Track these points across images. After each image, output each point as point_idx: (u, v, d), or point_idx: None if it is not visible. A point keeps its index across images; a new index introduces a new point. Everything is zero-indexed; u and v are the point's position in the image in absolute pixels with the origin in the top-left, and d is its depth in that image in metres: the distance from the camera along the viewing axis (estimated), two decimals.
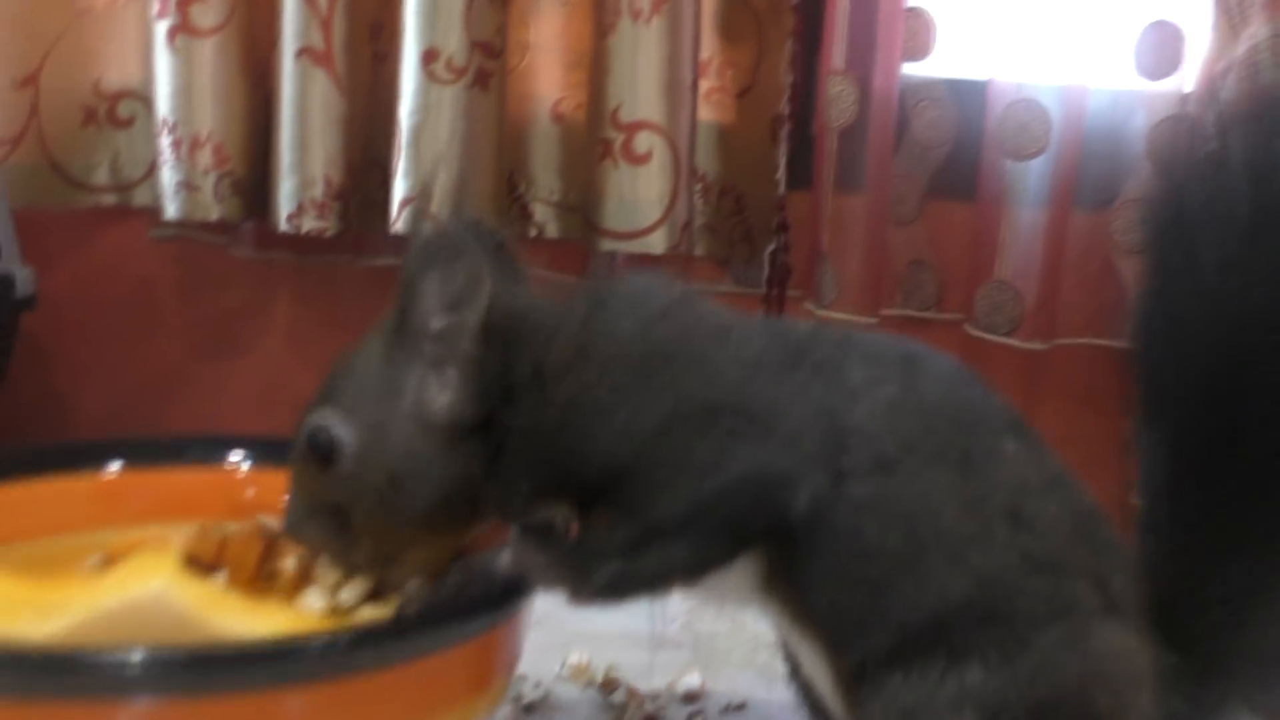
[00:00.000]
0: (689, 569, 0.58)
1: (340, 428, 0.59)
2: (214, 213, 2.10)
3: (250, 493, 0.67)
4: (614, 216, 2.02)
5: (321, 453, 0.59)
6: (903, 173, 2.03)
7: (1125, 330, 0.65)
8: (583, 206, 2.08)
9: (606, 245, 2.03)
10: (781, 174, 2.07)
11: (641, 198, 2.01)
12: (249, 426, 2.29)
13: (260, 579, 0.59)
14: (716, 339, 0.58)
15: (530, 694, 0.75)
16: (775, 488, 0.56)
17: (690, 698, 0.76)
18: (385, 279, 2.24)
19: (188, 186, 2.09)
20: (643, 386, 0.57)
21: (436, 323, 0.58)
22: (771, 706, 0.75)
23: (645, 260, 2.08)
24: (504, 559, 0.56)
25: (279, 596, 0.58)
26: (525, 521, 0.61)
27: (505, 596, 0.54)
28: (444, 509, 0.60)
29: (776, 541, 0.57)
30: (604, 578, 0.56)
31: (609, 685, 0.77)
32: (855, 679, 0.58)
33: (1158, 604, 0.60)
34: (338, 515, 0.60)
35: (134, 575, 0.50)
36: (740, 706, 0.75)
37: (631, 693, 0.75)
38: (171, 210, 2.10)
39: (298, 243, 2.16)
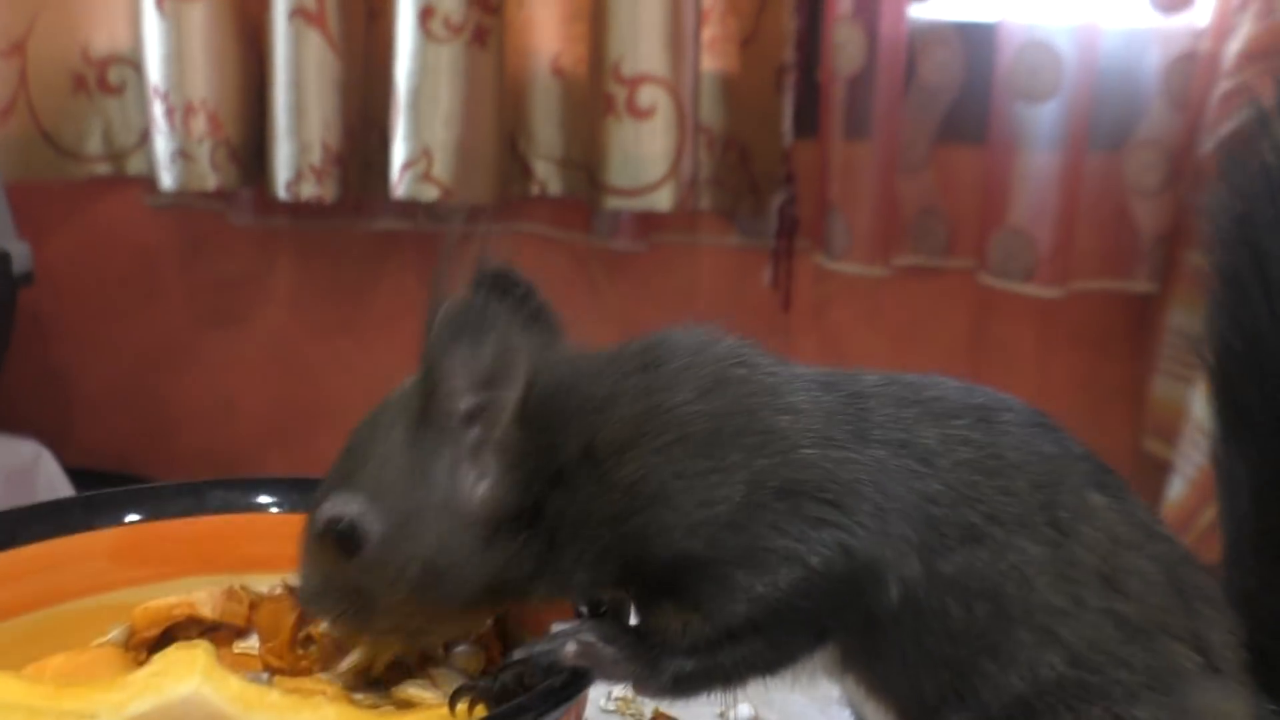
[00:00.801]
0: (766, 667, 0.54)
1: (365, 516, 0.53)
2: (210, 181, 2.06)
3: (283, 544, 0.64)
4: (618, 173, 1.98)
5: (343, 542, 0.54)
6: (911, 119, 1.99)
7: (1201, 347, 0.62)
8: (586, 163, 2.04)
9: (611, 203, 1.99)
10: (787, 124, 2.03)
11: (646, 153, 1.97)
12: (253, 394, 2.29)
13: (296, 647, 0.57)
14: (782, 408, 0.54)
15: None
16: (864, 579, 0.52)
17: None
18: (387, 243, 2.22)
19: (183, 155, 2.05)
20: (711, 469, 0.51)
21: (466, 403, 0.53)
22: None
23: (651, 218, 2.05)
24: (569, 650, 0.52)
25: (316, 665, 0.56)
26: (580, 605, 0.58)
27: (569, 688, 0.51)
28: (486, 597, 0.55)
29: (856, 627, 0.54)
30: (674, 675, 0.52)
31: (660, 719, 0.75)
32: None
33: (1251, 645, 0.57)
34: (355, 594, 0.55)
35: (164, 674, 0.47)
36: None
37: None
38: (167, 180, 2.06)
39: (297, 208, 2.13)
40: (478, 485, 0.53)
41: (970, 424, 0.55)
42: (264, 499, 0.66)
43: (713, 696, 0.55)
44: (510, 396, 0.52)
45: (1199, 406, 1.80)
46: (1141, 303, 1.99)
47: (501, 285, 0.55)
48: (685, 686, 0.53)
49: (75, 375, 2.36)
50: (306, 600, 0.56)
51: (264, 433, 2.34)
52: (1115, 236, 1.97)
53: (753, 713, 0.75)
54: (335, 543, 0.54)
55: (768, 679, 0.55)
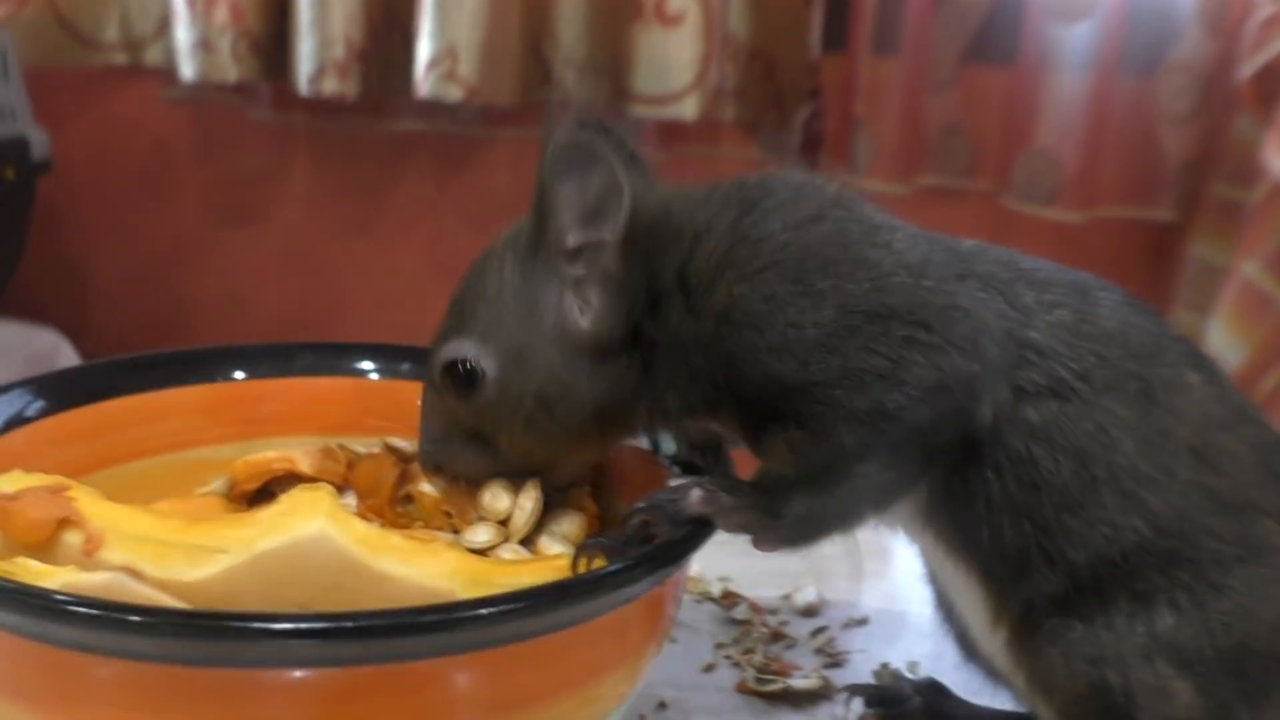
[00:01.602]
0: (880, 495, 0.55)
1: (479, 356, 0.55)
2: (231, 73, 2.04)
3: (375, 406, 0.64)
4: (645, 80, 1.96)
5: (461, 384, 0.55)
6: (941, 36, 1.97)
7: None
8: (611, 70, 2.02)
9: (636, 111, 1.98)
10: (815, 36, 2.00)
11: (674, 61, 1.95)
12: (268, 293, 2.29)
13: (396, 504, 0.58)
14: (878, 243, 0.55)
15: None
16: (959, 394, 0.52)
17: (809, 611, 0.75)
18: (406, 145, 2.20)
19: (204, 46, 2.02)
20: (800, 294, 0.52)
21: (574, 238, 0.54)
22: (891, 620, 0.74)
23: (673, 128, 2.03)
24: (694, 497, 0.53)
25: (421, 524, 0.57)
26: (686, 436, 0.60)
27: (694, 539, 0.51)
28: (595, 425, 0.56)
29: (946, 465, 0.55)
30: (794, 515, 0.53)
31: (729, 600, 0.76)
32: (1023, 622, 0.55)
33: None
34: (479, 438, 0.57)
35: (291, 513, 0.48)
36: (863, 621, 0.75)
37: (755, 608, 0.74)
38: (187, 71, 2.03)
39: (316, 106, 2.10)
40: (583, 316, 0.55)
41: (1067, 294, 0.55)
42: (355, 364, 0.66)
43: (826, 542, 0.56)
44: (614, 230, 0.53)
45: (1216, 337, 1.81)
46: (1163, 231, 1.99)
47: (602, 128, 0.55)
48: (804, 530, 0.54)
49: (92, 267, 2.35)
50: (430, 455, 0.57)
51: (278, 331, 2.33)
52: (1141, 163, 1.96)
53: (817, 595, 0.76)
54: (454, 386, 0.56)
55: (883, 511, 0.56)
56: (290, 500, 0.48)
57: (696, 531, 0.51)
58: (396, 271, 2.27)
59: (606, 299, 0.55)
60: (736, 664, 0.69)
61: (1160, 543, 0.53)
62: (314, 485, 0.49)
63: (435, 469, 0.58)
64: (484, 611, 0.41)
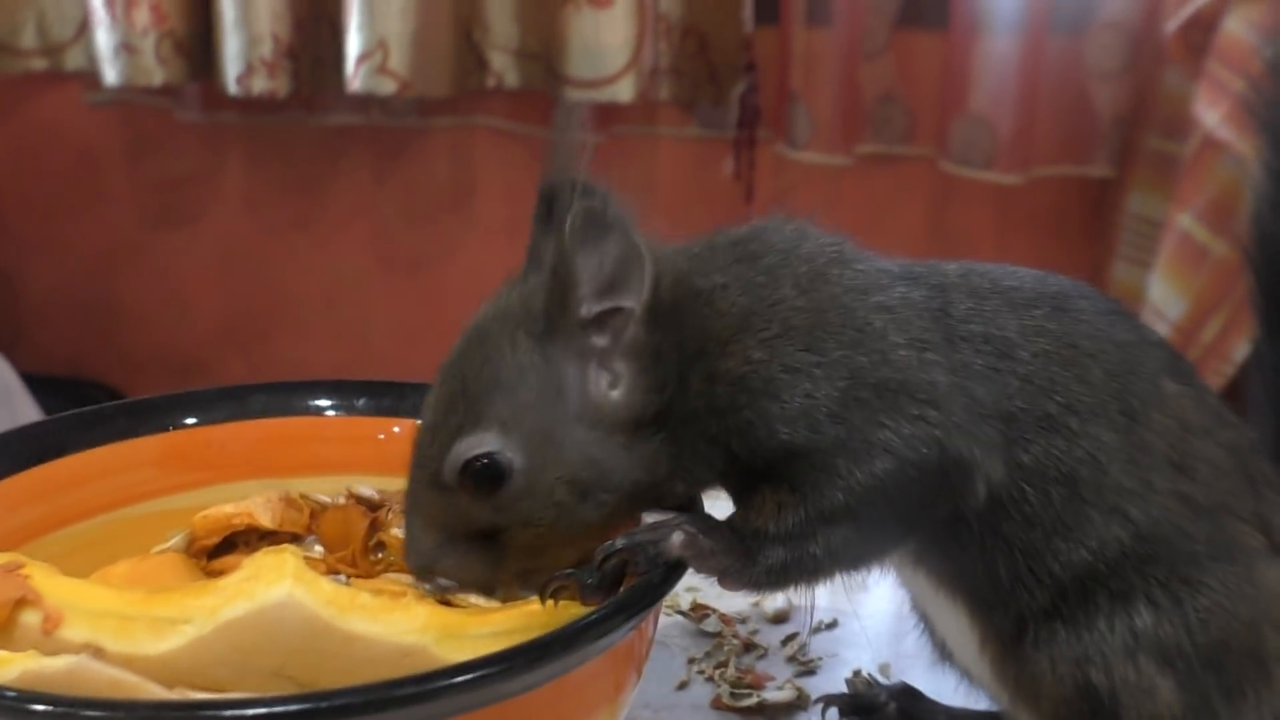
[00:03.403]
0: (855, 557, 0.55)
1: (504, 449, 0.52)
2: (157, 77, 2.00)
3: (334, 446, 0.63)
4: (578, 64, 1.95)
5: (484, 481, 0.52)
6: (872, 4, 1.97)
7: (1243, 237, 0.63)
8: (544, 54, 2.00)
9: (572, 95, 1.96)
10: (748, 10, 2.00)
11: (606, 43, 1.94)
12: (207, 296, 2.25)
13: (369, 554, 0.57)
14: (876, 307, 0.54)
15: None
16: (953, 475, 0.53)
17: (779, 618, 0.76)
18: (341, 138, 2.17)
19: (126, 48, 1.98)
20: (815, 364, 0.52)
21: (595, 308, 0.52)
22: (862, 622, 0.74)
23: (610, 109, 2.02)
24: (674, 542, 0.50)
25: (392, 575, 0.56)
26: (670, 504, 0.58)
27: (669, 581, 0.51)
28: (627, 505, 0.54)
29: (941, 523, 0.56)
30: (768, 565, 0.52)
31: (698, 612, 0.75)
32: (1012, 637, 0.56)
33: None
34: (485, 537, 0.54)
35: (256, 579, 0.46)
36: (832, 624, 0.75)
37: (724, 619, 0.74)
38: (111, 76, 1.99)
39: (247, 104, 2.07)
40: (612, 390, 0.53)
41: (1047, 313, 0.56)
42: (309, 402, 0.65)
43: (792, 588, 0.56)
44: (639, 297, 0.52)
45: (1157, 291, 1.83)
46: (1100, 187, 2.01)
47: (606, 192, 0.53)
48: (776, 578, 0.54)
49: (21, 279, 2.30)
50: (424, 562, 0.54)
51: (220, 334, 2.30)
52: (1074, 121, 1.97)
53: (786, 600, 0.76)
54: (475, 484, 0.52)
55: (852, 572, 0.56)
56: (254, 565, 0.47)
57: (673, 572, 0.50)
58: (338, 267, 2.25)
59: (638, 369, 0.53)
60: (710, 679, 0.69)
61: (1138, 547, 0.54)
62: (278, 547, 0.48)
63: (430, 576, 0.54)
64: (459, 679, 0.41)
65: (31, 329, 2.30)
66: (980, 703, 0.65)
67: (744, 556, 0.52)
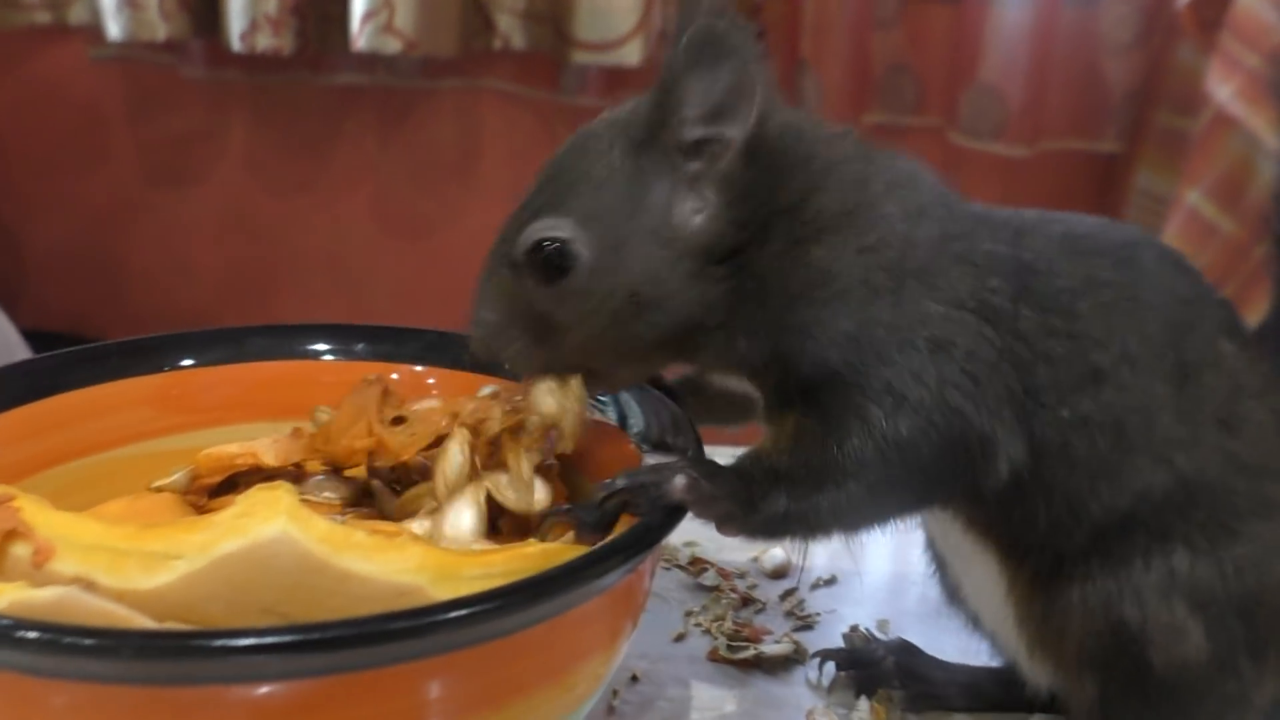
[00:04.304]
0: (859, 518, 0.54)
1: (577, 240, 0.52)
2: (160, 31, 1.99)
3: (335, 391, 0.62)
4: (586, 27, 1.93)
5: (550, 266, 0.52)
6: None
7: (1264, 208, 0.62)
8: (552, 16, 1.98)
9: (579, 57, 1.95)
10: None
11: (614, 5, 1.92)
12: (210, 255, 2.24)
13: (384, 424, 0.55)
14: (963, 256, 0.53)
15: None
16: (974, 450, 0.52)
17: (778, 573, 0.75)
18: (346, 98, 2.16)
19: (130, 3, 1.96)
20: (891, 290, 0.52)
21: (695, 131, 0.51)
22: (861, 578, 0.74)
23: (618, 73, 2.00)
24: (676, 485, 0.50)
25: (409, 450, 0.55)
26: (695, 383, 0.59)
27: (668, 524, 0.50)
28: (672, 339, 0.53)
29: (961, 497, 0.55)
30: (769, 514, 0.51)
31: (697, 566, 0.75)
32: (1044, 575, 0.55)
33: None
34: (543, 328, 0.54)
35: (249, 515, 0.46)
36: (831, 580, 0.75)
37: (723, 573, 0.73)
38: (114, 30, 1.98)
39: (252, 62, 2.05)
40: (695, 216, 0.53)
41: (1113, 264, 0.56)
42: (308, 345, 0.64)
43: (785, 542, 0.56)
44: (741, 129, 0.51)
45: None
46: (1108, 163, 2.00)
47: (737, 24, 0.51)
48: (772, 528, 0.53)
49: (23, 235, 2.29)
50: (486, 333, 0.54)
51: (222, 293, 2.29)
52: (1085, 95, 1.96)
53: (785, 556, 0.75)
54: (540, 267, 0.53)
55: (852, 533, 0.55)
56: (248, 501, 0.46)
57: (672, 516, 0.50)
58: (341, 227, 2.24)
59: (725, 200, 0.52)
60: (707, 631, 0.68)
61: (1180, 493, 0.53)
62: (273, 484, 0.47)
63: (486, 353, 0.55)
64: (454, 615, 0.40)
65: (34, 285, 2.29)
66: (979, 658, 0.65)
67: (745, 503, 0.52)
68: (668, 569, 0.75)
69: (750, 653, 0.66)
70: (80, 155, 2.24)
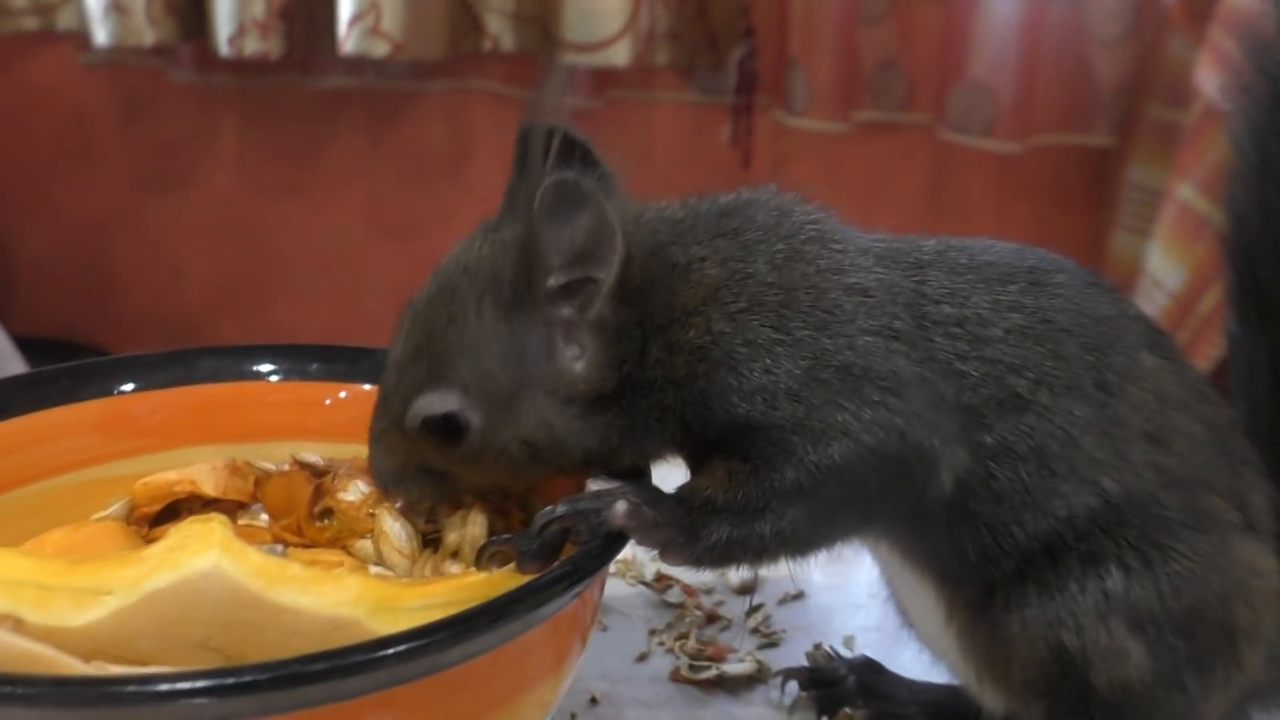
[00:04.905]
0: (804, 541, 0.53)
1: (466, 408, 0.52)
2: (148, 36, 1.98)
3: (280, 412, 0.61)
4: (574, 27, 1.92)
5: (444, 435, 0.53)
6: None
7: (1221, 222, 0.61)
8: (540, 17, 1.97)
9: (567, 58, 1.94)
10: None
11: (602, 6, 1.92)
12: (201, 260, 2.24)
13: (313, 520, 0.56)
14: (849, 288, 0.53)
15: None
16: (914, 465, 0.52)
17: (745, 589, 0.74)
18: (335, 101, 2.15)
19: (116, 8, 1.96)
20: (778, 341, 0.51)
21: (563, 279, 0.51)
22: (828, 593, 0.73)
23: (606, 74, 1.99)
24: (617, 512, 0.49)
25: (335, 545, 0.55)
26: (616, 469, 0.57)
27: (609, 551, 0.48)
28: (580, 465, 0.54)
29: (901, 514, 0.54)
30: (712, 542, 0.51)
31: (662, 582, 0.74)
32: (980, 605, 0.55)
33: None
34: (441, 474, 0.55)
35: (181, 549, 0.44)
36: (798, 596, 0.74)
37: (688, 590, 0.73)
38: (101, 36, 1.97)
39: (241, 66, 2.05)
40: (575, 363, 0.53)
41: (1023, 289, 0.55)
42: (257, 367, 0.63)
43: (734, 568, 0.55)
44: (608, 272, 0.51)
45: (1156, 261, 1.81)
46: (1099, 157, 1.99)
47: (566, 149, 0.53)
48: (719, 555, 0.52)
49: (14, 242, 2.29)
50: (385, 483, 0.55)
51: (214, 298, 2.29)
52: (1075, 90, 1.95)
53: (753, 573, 0.75)
54: (433, 438, 0.53)
55: (799, 557, 0.55)
56: (180, 534, 0.45)
57: (613, 543, 0.49)
58: (332, 231, 2.23)
59: (602, 343, 0.53)
60: (670, 651, 0.68)
61: (1109, 513, 0.53)
62: (206, 515, 0.47)
63: (386, 494, 0.56)
64: (382, 654, 0.39)
65: (24, 292, 2.29)
66: (942, 675, 0.64)
67: (688, 531, 0.51)
68: (633, 585, 0.74)
69: (712, 673, 0.65)
70: (70, 161, 2.23)
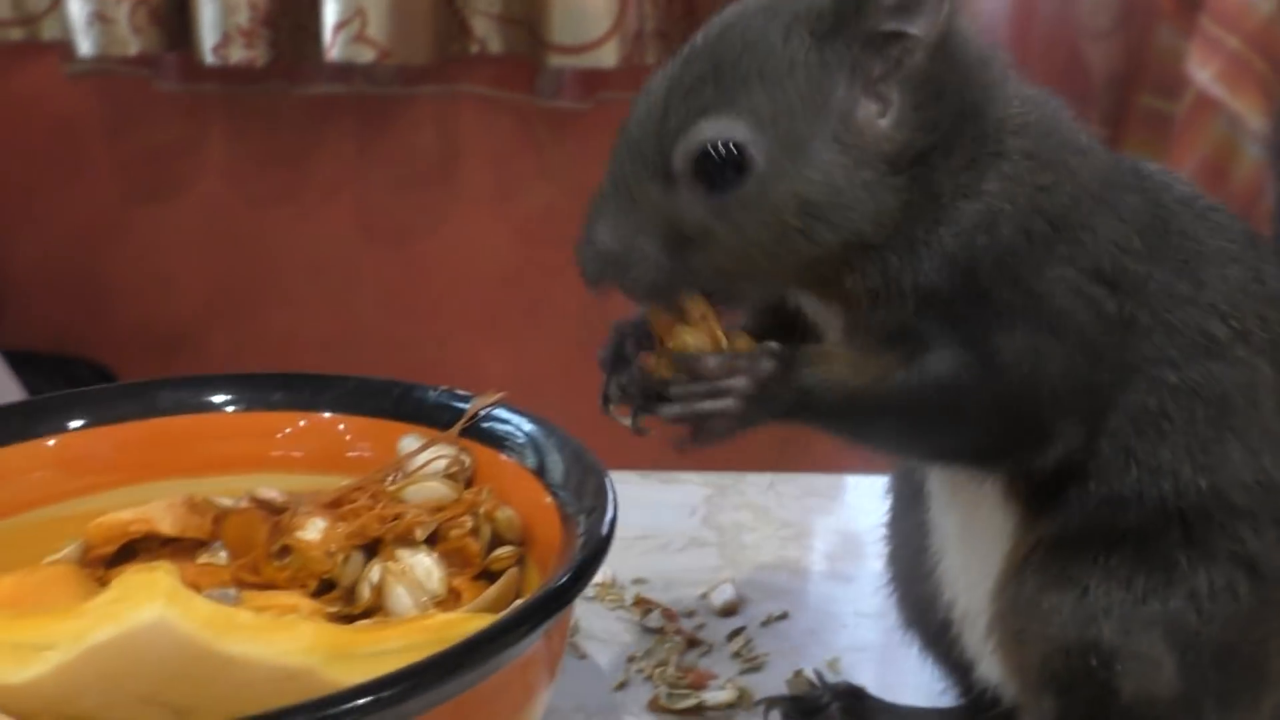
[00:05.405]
0: (888, 438, 0.52)
1: (754, 144, 0.46)
2: (132, 46, 1.96)
3: (238, 443, 0.60)
4: (560, 29, 1.91)
5: (720, 173, 0.47)
6: None
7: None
8: (527, 20, 1.95)
9: (554, 61, 1.92)
10: None
11: (589, 7, 1.90)
12: (192, 269, 2.23)
13: (272, 559, 0.54)
14: (1111, 210, 0.50)
15: None
16: (1030, 424, 0.50)
17: (728, 611, 0.72)
18: (324, 108, 2.14)
19: (100, 18, 1.94)
20: (1036, 246, 0.48)
21: (887, 24, 0.46)
22: (813, 614, 0.72)
23: (595, 75, 1.98)
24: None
25: (294, 587, 0.53)
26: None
27: (573, 585, 0.46)
28: (837, 256, 0.48)
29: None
30: (800, 392, 0.48)
31: (642, 606, 0.73)
32: (1048, 554, 0.52)
33: None
34: (683, 245, 0.48)
35: (124, 600, 0.44)
36: (781, 617, 0.72)
37: (668, 614, 0.71)
38: (85, 46, 1.96)
39: (227, 74, 2.03)
40: (879, 119, 0.48)
41: (1242, 242, 0.54)
42: (218, 398, 0.62)
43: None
44: (928, 25, 0.47)
45: None
46: None
47: None
48: (799, 409, 0.50)
49: (2, 254, 2.27)
50: (604, 258, 0.49)
51: (206, 308, 2.27)
52: (1066, 81, 1.93)
53: (735, 593, 0.73)
54: (707, 174, 0.48)
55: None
56: (124, 584, 0.44)
57: (579, 578, 0.47)
58: (323, 237, 2.22)
59: (911, 103, 0.48)
60: (650, 678, 0.66)
61: (1247, 502, 0.51)
62: (153, 565, 0.45)
63: (601, 280, 0.50)
64: (328, 713, 0.38)
65: (14, 305, 2.28)
66: (933, 699, 0.63)
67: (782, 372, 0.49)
68: (612, 609, 0.73)
69: (692, 701, 0.64)
70: (58, 172, 2.22)
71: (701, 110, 0.47)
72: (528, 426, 0.60)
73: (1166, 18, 1.79)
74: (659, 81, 0.50)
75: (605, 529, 0.50)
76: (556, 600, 0.47)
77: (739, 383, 0.48)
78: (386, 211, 2.20)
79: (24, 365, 1.90)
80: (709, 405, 0.48)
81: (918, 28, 0.47)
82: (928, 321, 0.49)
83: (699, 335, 0.50)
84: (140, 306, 2.27)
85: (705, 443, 0.50)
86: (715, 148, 0.47)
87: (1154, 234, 0.52)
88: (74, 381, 1.81)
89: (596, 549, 0.49)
